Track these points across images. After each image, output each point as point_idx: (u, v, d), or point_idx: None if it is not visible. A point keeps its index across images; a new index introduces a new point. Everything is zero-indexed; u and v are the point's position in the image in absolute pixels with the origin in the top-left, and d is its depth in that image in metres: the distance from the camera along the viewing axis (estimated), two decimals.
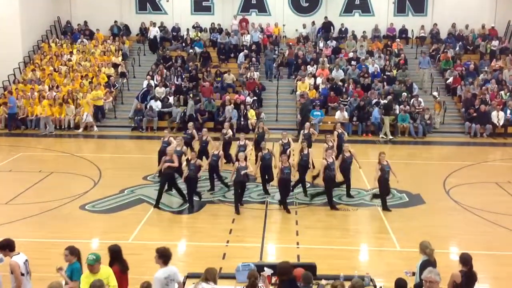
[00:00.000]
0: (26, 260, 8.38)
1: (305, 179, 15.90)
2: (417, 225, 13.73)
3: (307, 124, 19.33)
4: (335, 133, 18.08)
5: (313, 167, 16.18)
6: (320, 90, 26.22)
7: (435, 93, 26.16)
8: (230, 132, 18.64)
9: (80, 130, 24.39)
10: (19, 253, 8.38)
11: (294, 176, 15.25)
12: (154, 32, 30.52)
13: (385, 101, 24.71)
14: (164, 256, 8.01)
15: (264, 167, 15.62)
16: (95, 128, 24.50)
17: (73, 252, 8.07)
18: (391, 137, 23.71)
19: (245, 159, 15.23)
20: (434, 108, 25.28)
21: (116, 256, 8.23)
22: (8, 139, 23.56)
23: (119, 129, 24.49)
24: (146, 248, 12.31)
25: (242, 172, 14.25)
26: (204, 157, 16.68)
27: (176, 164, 14.75)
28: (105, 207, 15.01)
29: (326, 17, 30.82)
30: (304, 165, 15.67)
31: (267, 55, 28.22)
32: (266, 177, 15.91)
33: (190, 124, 19.19)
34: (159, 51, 29.86)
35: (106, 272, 7.76)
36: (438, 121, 24.96)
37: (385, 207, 14.59)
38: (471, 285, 8.08)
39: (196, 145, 17.77)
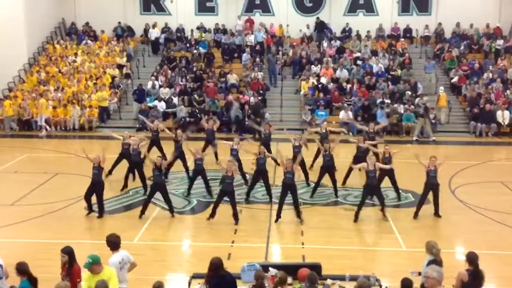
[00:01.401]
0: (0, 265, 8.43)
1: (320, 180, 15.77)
2: (423, 224, 13.71)
3: (325, 123, 19.24)
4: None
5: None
6: (308, 90, 26.13)
7: (441, 89, 25.87)
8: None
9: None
10: None
11: (299, 177, 15.10)
12: (154, 33, 30.54)
13: (422, 103, 24.39)
14: (114, 243, 8.39)
15: (258, 172, 15.42)
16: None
17: (20, 271, 7.99)
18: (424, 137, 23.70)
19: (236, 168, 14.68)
20: (439, 103, 25.09)
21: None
22: (13, 140, 23.63)
23: (124, 130, 24.49)
24: (152, 249, 12.38)
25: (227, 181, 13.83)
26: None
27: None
28: (110, 207, 15.03)
29: (318, 18, 30.77)
30: (326, 166, 15.57)
31: (270, 60, 28.07)
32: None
33: (156, 121, 19.31)
34: (163, 51, 29.89)
35: (108, 273, 7.78)
36: (443, 117, 24.79)
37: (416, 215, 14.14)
38: (478, 284, 8.05)
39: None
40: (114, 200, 15.57)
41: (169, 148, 17.69)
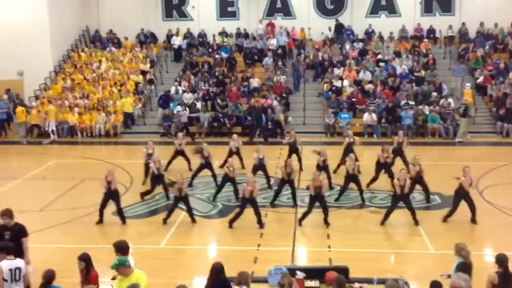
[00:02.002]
0: (17, 268, 8.55)
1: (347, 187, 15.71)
2: (450, 226, 13.56)
3: (350, 132, 19.17)
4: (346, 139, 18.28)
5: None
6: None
7: (467, 85, 25.53)
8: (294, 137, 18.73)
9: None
10: (14, 259, 8.61)
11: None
12: (177, 41, 30.70)
13: (463, 105, 24.05)
14: (122, 248, 8.34)
15: (283, 179, 15.37)
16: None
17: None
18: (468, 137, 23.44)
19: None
20: (464, 99, 24.78)
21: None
22: (41, 147, 23.97)
23: (148, 135, 24.73)
24: (179, 253, 12.47)
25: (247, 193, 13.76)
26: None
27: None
28: (137, 212, 15.21)
29: (337, 20, 30.67)
30: (351, 176, 15.50)
31: (294, 65, 28.00)
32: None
33: (180, 134, 19.43)
34: (185, 57, 30.10)
35: (138, 277, 7.84)
36: (472, 113, 24.40)
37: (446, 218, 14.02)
38: (508, 286, 7.95)
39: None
40: (140, 205, 15.71)
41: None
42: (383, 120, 24.31)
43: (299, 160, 18.21)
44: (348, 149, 17.63)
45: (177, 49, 30.60)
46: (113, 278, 8.35)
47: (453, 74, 27.09)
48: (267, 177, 16.91)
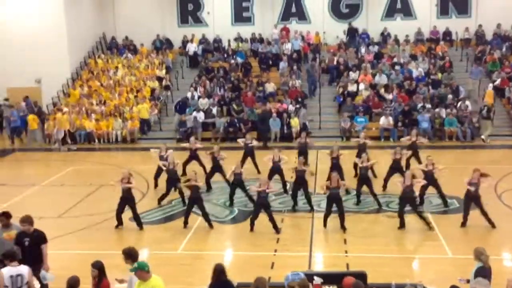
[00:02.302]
0: (19, 275, 8.57)
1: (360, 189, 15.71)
2: (468, 231, 13.44)
3: (363, 134, 19.18)
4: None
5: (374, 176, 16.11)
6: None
7: (490, 86, 25.43)
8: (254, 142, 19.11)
9: (56, 145, 24.72)
10: (18, 265, 8.65)
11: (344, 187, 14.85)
12: (192, 48, 30.76)
13: (485, 106, 24.06)
14: (131, 255, 8.35)
15: (297, 182, 15.46)
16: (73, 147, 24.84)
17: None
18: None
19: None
20: (486, 99, 24.70)
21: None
22: (59, 154, 24.21)
23: (165, 141, 24.84)
24: (196, 258, 12.50)
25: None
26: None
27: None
28: (154, 218, 15.28)
29: (350, 23, 30.61)
30: (362, 179, 15.59)
31: (309, 71, 27.95)
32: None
33: (192, 138, 19.47)
34: (201, 62, 30.23)
35: (155, 282, 7.85)
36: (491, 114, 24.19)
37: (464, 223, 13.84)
38: None
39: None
40: (157, 211, 15.78)
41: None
42: (400, 124, 24.18)
43: (305, 162, 18.04)
44: (360, 149, 17.72)
45: (192, 56, 30.71)
46: (121, 281, 8.39)
47: (471, 76, 26.89)
48: (283, 182, 16.88)
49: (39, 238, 9.91)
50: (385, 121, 24.23)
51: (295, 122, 24.67)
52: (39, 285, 9.90)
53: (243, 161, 18.20)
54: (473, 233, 13.24)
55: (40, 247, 9.85)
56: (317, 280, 8.99)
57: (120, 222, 14.33)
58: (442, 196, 15.27)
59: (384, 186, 16.58)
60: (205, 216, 14.27)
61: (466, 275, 8.61)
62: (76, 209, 16.16)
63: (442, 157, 21.00)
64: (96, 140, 25.53)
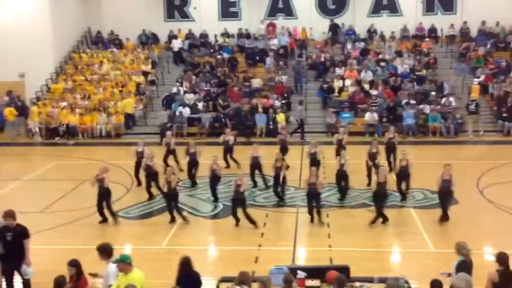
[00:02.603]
0: None
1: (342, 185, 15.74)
2: (450, 225, 13.53)
3: (342, 129, 19.24)
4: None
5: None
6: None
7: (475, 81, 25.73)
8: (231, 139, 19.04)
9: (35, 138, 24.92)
10: None
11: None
12: (177, 44, 30.50)
13: (473, 101, 24.32)
14: (106, 251, 8.37)
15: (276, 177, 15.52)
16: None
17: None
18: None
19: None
20: (472, 94, 25.01)
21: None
22: (42, 148, 24.03)
23: (150, 136, 24.74)
24: (179, 253, 12.38)
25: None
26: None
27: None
28: (138, 213, 15.22)
29: (331, 20, 30.66)
30: (340, 175, 15.57)
31: (295, 68, 27.94)
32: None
33: (169, 133, 19.44)
34: (187, 57, 30.09)
35: (136, 275, 7.90)
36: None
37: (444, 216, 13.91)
38: (508, 285, 7.94)
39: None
40: (141, 206, 15.72)
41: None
42: (385, 120, 24.29)
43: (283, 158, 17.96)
44: (339, 146, 17.81)
45: (177, 52, 30.49)
46: (95, 275, 8.44)
47: (455, 72, 27.08)
48: (263, 176, 16.89)
49: (22, 233, 9.82)
50: (370, 117, 24.32)
51: (281, 118, 24.66)
52: (21, 280, 9.85)
53: (225, 158, 18.38)
54: (455, 227, 13.33)
55: (22, 242, 9.77)
56: (301, 274, 9.02)
57: (103, 217, 14.24)
58: (406, 189, 15.34)
59: (369, 183, 16.59)
60: (178, 209, 14.20)
61: (448, 269, 8.66)
62: (59, 204, 16.03)
63: (426, 153, 21.20)
64: (80, 135, 25.34)
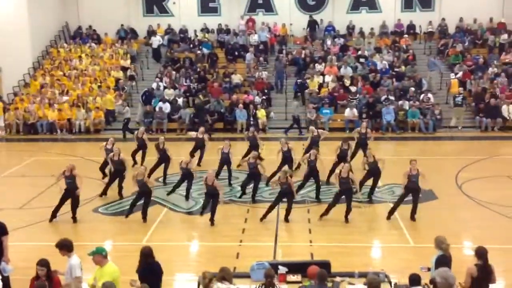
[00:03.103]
0: None
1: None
2: (430, 220, 13.68)
3: (312, 128, 19.21)
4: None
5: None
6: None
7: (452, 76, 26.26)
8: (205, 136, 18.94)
9: None
10: None
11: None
12: (156, 41, 30.16)
13: (461, 94, 24.72)
14: (65, 246, 8.39)
15: (250, 175, 15.58)
16: None
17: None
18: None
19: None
20: (451, 90, 25.47)
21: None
22: (20, 144, 23.74)
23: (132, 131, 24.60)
24: (160, 250, 12.34)
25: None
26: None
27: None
28: (118, 209, 15.12)
29: (310, 16, 30.74)
30: (311, 170, 15.46)
31: (277, 66, 27.74)
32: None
33: (142, 129, 19.31)
34: (167, 53, 29.90)
35: (109, 269, 8.02)
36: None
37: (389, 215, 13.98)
38: (487, 279, 8.06)
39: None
40: (121, 202, 15.60)
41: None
42: (364, 116, 24.43)
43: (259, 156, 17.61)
44: (312, 143, 17.78)
45: (156, 49, 30.15)
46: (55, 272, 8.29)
47: (428, 67, 27.42)
48: (229, 173, 16.86)
49: (0, 230, 9.70)
50: (350, 113, 24.45)
51: (261, 114, 24.66)
52: (0, 277, 9.72)
53: (191, 153, 18.33)
54: (434, 222, 13.48)
55: (0, 239, 9.65)
56: (282, 269, 9.06)
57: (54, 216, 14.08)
58: (372, 189, 15.35)
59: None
60: (145, 206, 14.09)
61: (427, 264, 8.77)
62: (37, 201, 15.86)
63: (405, 149, 21.43)
64: (59, 131, 25.07)
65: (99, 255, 8.00)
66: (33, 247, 12.38)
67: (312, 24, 30.69)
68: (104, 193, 15.98)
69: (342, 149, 16.77)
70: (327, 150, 17.91)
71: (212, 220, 13.71)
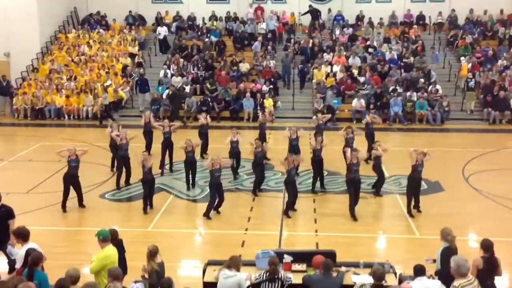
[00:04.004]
0: None
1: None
2: (436, 212, 13.67)
3: (314, 118, 19.15)
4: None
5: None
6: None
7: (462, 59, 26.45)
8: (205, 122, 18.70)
9: None
10: None
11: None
12: (163, 32, 29.92)
13: (471, 79, 24.79)
14: (22, 234, 8.41)
15: (256, 164, 15.40)
16: None
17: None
18: None
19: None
20: (461, 73, 25.61)
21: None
22: (27, 129, 23.82)
23: (137, 119, 24.56)
24: (166, 236, 12.47)
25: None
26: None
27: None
28: (124, 195, 15.19)
29: (310, 5, 30.41)
30: (315, 161, 15.41)
31: (284, 61, 27.32)
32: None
33: (148, 113, 19.35)
34: (175, 40, 29.81)
35: (107, 251, 8.17)
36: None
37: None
38: (493, 271, 8.06)
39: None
40: (128, 188, 15.66)
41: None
42: (371, 106, 24.35)
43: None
44: (317, 131, 17.81)
45: (163, 40, 29.85)
46: None
47: (432, 61, 27.27)
48: (238, 163, 16.70)
49: (7, 214, 9.78)
50: (357, 103, 24.36)
51: (268, 103, 24.60)
52: (7, 261, 9.81)
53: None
54: (440, 214, 13.47)
55: (7, 222, 9.72)
56: (287, 258, 9.07)
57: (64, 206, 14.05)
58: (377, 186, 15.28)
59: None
60: (150, 195, 14.07)
61: (433, 255, 8.78)
62: (45, 185, 15.95)
63: (413, 140, 21.31)
64: (66, 116, 25.13)
65: (98, 239, 8.19)
66: (40, 231, 12.41)
67: (314, 14, 30.38)
68: (118, 185, 15.83)
69: (348, 138, 16.69)
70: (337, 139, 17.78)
71: (206, 214, 13.53)
